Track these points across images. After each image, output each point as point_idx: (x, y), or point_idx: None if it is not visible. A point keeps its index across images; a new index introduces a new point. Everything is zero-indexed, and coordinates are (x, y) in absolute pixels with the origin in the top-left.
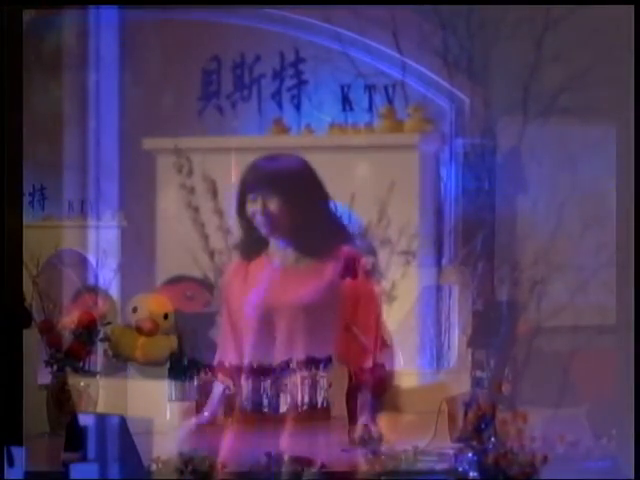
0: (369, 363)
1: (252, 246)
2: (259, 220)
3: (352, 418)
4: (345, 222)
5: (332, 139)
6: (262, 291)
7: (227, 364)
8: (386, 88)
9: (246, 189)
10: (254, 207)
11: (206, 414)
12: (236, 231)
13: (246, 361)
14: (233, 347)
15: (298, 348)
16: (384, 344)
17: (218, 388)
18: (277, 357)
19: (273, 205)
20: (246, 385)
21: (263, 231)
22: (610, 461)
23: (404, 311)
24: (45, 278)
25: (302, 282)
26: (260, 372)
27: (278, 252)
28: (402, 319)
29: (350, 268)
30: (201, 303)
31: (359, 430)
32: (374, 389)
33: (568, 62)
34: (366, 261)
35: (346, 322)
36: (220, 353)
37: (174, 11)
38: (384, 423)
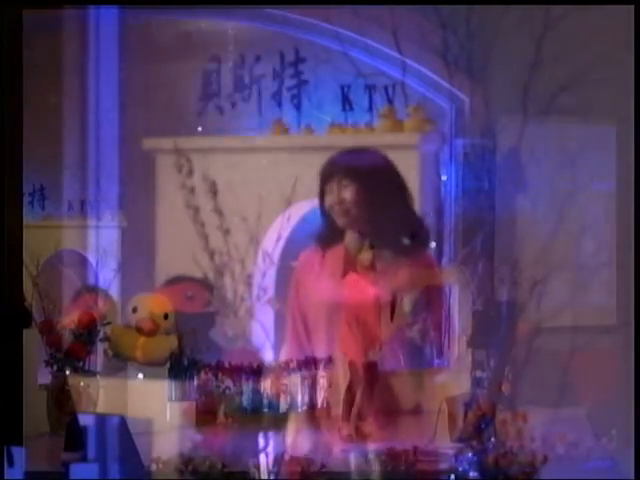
0: (366, 358)
1: (329, 237)
2: (336, 210)
3: (344, 416)
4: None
5: (332, 139)
6: (337, 282)
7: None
8: (386, 88)
9: (325, 180)
10: (332, 197)
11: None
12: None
13: (310, 353)
14: (304, 338)
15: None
16: (380, 343)
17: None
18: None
19: (349, 196)
20: (247, 385)
21: (339, 222)
22: (610, 461)
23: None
24: (45, 278)
25: (374, 280)
26: (260, 372)
27: (352, 245)
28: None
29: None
30: (201, 303)
31: (348, 428)
32: (366, 387)
33: (568, 62)
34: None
35: (348, 317)
36: (290, 346)
37: (174, 11)
38: (382, 422)
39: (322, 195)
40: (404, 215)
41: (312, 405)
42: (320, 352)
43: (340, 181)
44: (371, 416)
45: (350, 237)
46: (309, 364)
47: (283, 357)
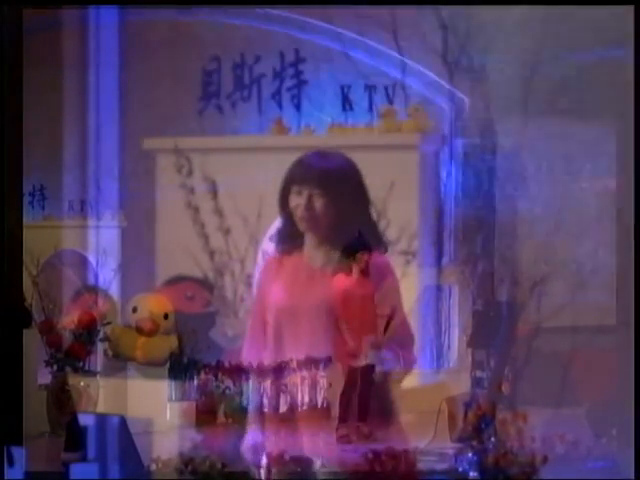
0: (357, 362)
1: (288, 239)
2: (300, 214)
3: (341, 417)
4: (381, 229)
5: (332, 139)
6: (292, 289)
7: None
8: (386, 88)
9: (292, 182)
10: (298, 200)
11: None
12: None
13: (272, 358)
14: (262, 343)
15: (321, 348)
16: (377, 344)
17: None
18: (299, 356)
19: (317, 201)
20: (247, 385)
21: (302, 225)
22: (610, 461)
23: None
24: (45, 278)
25: (329, 284)
26: (260, 372)
27: (312, 248)
28: None
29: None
30: (201, 303)
31: (345, 429)
32: (362, 389)
33: (568, 62)
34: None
35: (338, 320)
36: (247, 348)
37: (174, 11)
38: (382, 423)
39: (285, 195)
40: (364, 224)
41: (312, 405)
42: (281, 355)
43: (312, 186)
44: (369, 417)
45: (309, 240)
46: (309, 364)
47: (242, 358)
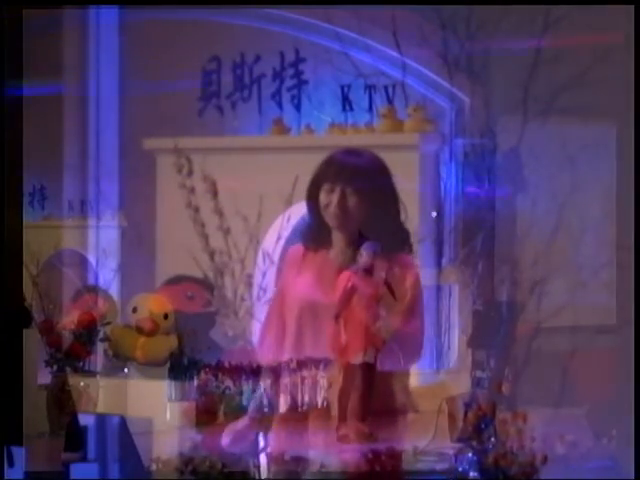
0: (356, 360)
1: (316, 235)
2: (331, 211)
3: (340, 416)
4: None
5: (332, 139)
6: (316, 288)
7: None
8: (386, 88)
9: (324, 178)
10: (330, 198)
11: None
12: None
13: (286, 355)
14: (275, 338)
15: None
16: (377, 343)
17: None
18: (315, 354)
19: (350, 199)
20: (247, 385)
21: (332, 223)
22: (610, 461)
23: None
24: (45, 278)
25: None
26: (260, 372)
27: (340, 247)
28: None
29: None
30: (201, 303)
31: (345, 429)
32: (362, 389)
33: (568, 62)
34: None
35: (337, 315)
36: (261, 342)
37: (174, 11)
38: (381, 422)
39: (316, 191)
40: (393, 224)
41: (312, 405)
42: (300, 353)
43: (344, 184)
44: (369, 416)
45: (337, 238)
46: (309, 364)
47: (264, 356)
